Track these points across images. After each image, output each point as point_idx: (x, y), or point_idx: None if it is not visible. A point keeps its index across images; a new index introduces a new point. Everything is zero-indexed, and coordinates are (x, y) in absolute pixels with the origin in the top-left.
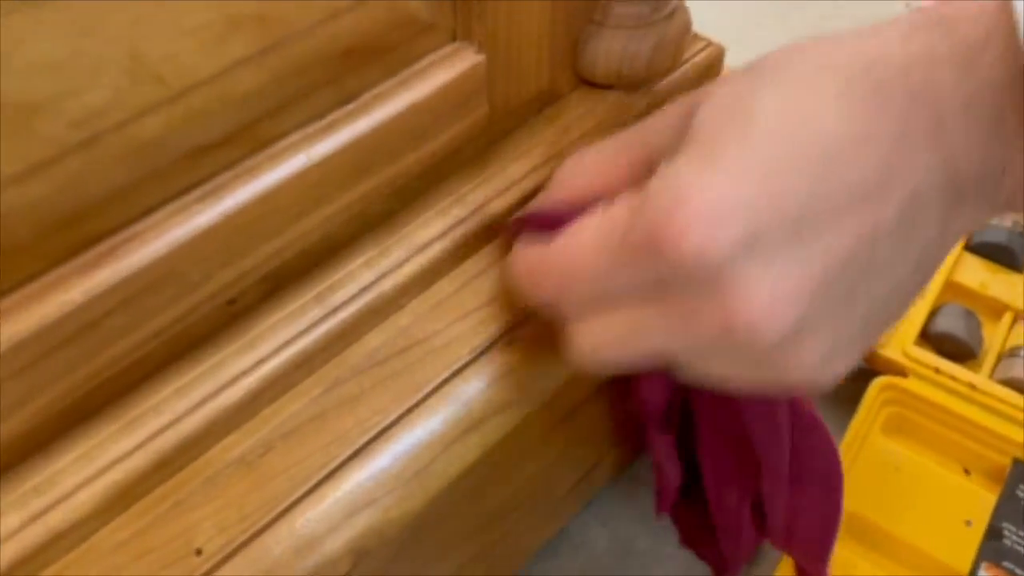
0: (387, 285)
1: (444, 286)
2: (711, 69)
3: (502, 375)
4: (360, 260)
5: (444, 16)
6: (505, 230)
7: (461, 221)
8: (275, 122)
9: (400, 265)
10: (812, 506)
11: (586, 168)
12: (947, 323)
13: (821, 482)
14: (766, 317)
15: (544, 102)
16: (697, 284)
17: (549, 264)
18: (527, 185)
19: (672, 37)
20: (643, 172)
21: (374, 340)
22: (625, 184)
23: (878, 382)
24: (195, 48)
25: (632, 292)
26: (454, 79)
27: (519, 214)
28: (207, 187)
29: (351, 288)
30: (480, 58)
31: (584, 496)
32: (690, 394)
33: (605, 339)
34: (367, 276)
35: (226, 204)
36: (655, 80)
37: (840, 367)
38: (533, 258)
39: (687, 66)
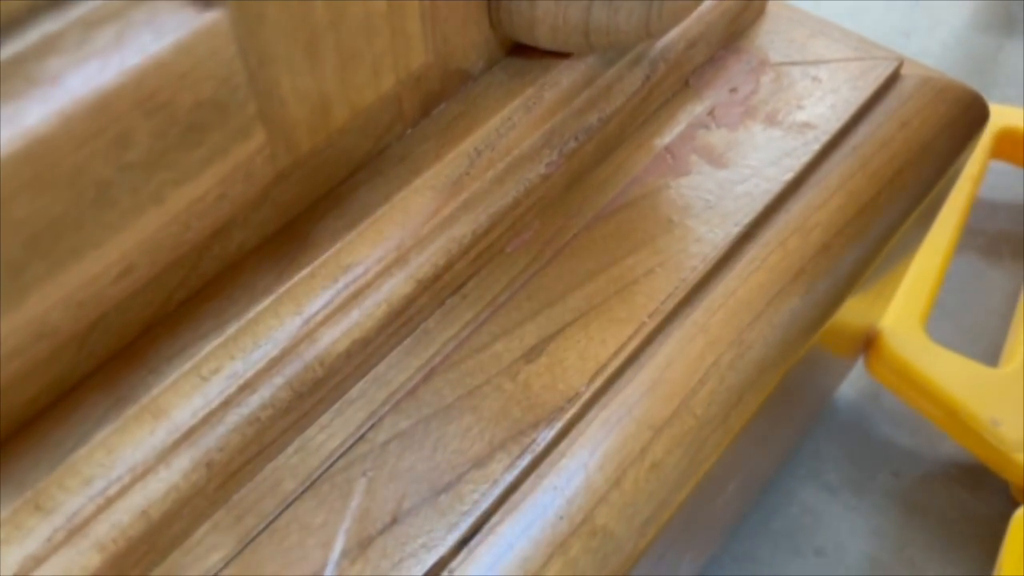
0: None
1: None
2: (749, 9)
3: None
4: None
5: None
6: None
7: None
8: None
9: None
10: None
11: None
12: None
13: None
14: None
15: (428, 102)
16: None
17: None
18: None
19: None
20: None
21: None
22: None
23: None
24: None
25: None
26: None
27: None
28: None
29: None
30: (215, 15)
31: None
32: None
33: None
34: None
35: None
36: (658, 36)
37: None
38: None
39: (712, 6)
